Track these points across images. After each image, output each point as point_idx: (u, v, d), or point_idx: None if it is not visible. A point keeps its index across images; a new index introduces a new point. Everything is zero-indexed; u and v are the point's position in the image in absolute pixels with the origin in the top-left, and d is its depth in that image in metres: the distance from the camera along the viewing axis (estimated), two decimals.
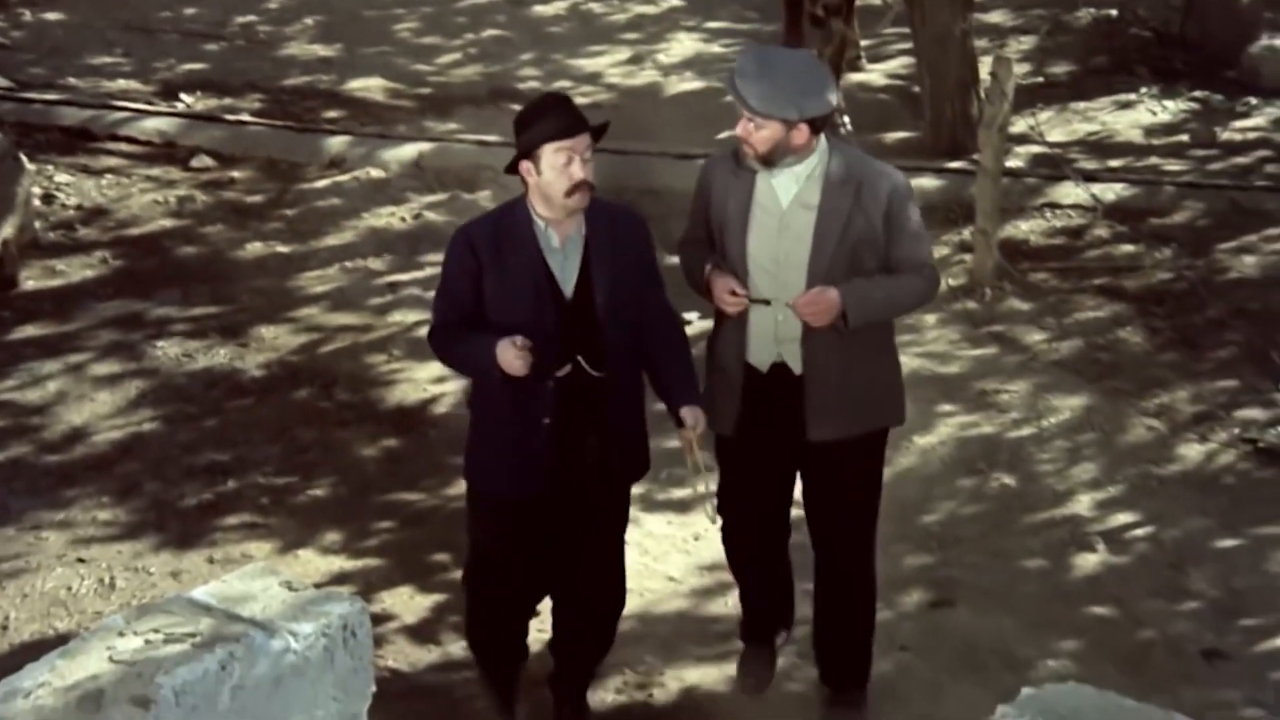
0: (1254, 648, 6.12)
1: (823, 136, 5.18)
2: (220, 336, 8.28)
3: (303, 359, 8.14)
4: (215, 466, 7.19)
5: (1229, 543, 6.72)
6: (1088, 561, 6.62)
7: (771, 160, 5.12)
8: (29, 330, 8.24)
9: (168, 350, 8.14)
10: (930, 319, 8.37)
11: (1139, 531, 6.79)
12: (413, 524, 6.84)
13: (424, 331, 8.30)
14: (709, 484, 5.45)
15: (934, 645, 6.12)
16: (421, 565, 6.52)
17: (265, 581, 3.18)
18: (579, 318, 5.06)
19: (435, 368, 8.01)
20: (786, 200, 5.18)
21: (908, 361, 6.62)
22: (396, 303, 8.71)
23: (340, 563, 6.57)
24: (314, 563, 6.55)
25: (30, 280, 8.68)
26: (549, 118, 4.97)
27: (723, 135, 10.59)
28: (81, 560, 6.53)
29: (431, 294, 8.72)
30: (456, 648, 6.05)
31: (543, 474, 5.09)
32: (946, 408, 7.65)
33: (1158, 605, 6.35)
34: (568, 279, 5.06)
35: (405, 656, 6.05)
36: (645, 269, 5.19)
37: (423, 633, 6.18)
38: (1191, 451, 7.36)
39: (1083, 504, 6.99)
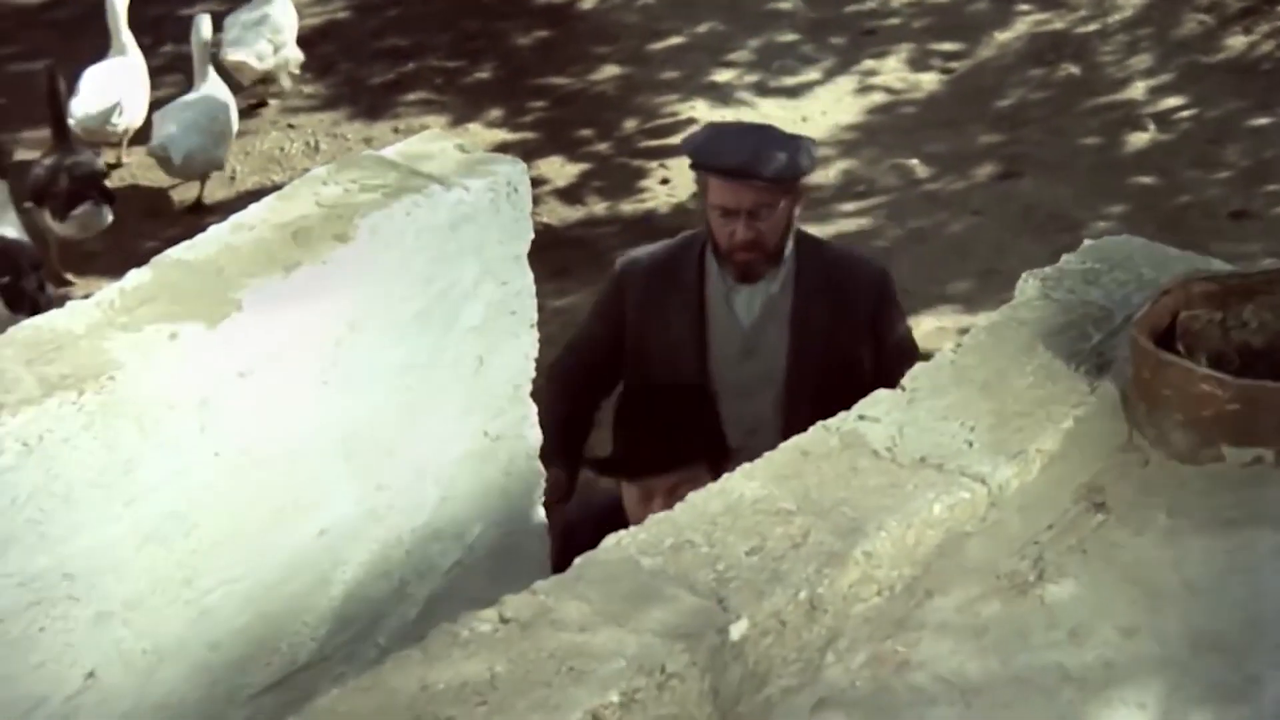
0: (1275, 208, 6.19)
1: None
2: None
3: None
4: (398, 51, 7.37)
5: (1262, 120, 6.75)
6: (1138, 139, 6.65)
7: (780, 254, 3.52)
8: None
9: None
10: None
11: (1184, 113, 6.82)
12: (563, 104, 6.92)
13: None
14: None
15: (1000, 209, 6.35)
16: (570, 139, 6.69)
17: (441, 145, 3.28)
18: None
19: None
20: (749, 317, 3.57)
21: None
22: None
23: (502, 135, 6.75)
24: (480, 135, 6.74)
25: None
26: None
27: None
28: (291, 126, 6.85)
29: None
30: (599, 208, 6.14)
31: None
32: (1023, 7, 7.47)
33: (1195, 174, 6.41)
34: None
35: (556, 214, 6.31)
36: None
37: (571, 195, 6.45)
38: (1236, 42, 7.24)
39: (1137, 90, 6.94)
